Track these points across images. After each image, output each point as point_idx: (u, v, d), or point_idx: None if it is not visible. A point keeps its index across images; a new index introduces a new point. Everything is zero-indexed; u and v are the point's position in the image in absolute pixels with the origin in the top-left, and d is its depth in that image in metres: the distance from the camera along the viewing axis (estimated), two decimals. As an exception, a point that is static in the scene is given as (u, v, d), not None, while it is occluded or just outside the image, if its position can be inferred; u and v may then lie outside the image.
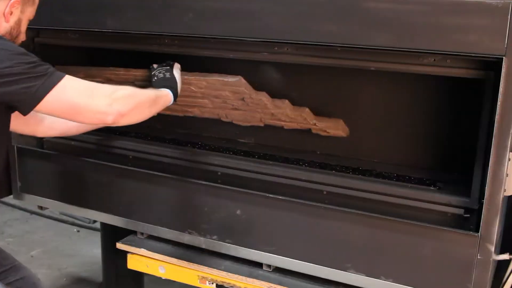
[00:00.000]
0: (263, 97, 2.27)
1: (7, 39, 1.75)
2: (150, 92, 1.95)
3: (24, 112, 1.66)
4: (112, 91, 1.76)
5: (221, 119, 2.43)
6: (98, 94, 1.73)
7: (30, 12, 1.86)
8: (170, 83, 2.08)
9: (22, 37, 1.88)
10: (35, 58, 1.65)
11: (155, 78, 2.13)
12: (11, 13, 1.77)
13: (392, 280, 1.94)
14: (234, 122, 2.42)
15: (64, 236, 4.70)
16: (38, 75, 1.60)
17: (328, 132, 2.28)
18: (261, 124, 2.37)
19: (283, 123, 2.33)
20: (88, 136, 2.61)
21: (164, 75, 2.12)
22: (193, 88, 2.30)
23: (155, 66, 2.20)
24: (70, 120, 1.80)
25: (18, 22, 1.81)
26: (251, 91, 2.26)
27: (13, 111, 1.72)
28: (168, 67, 2.16)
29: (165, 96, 2.02)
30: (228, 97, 2.30)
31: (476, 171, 1.87)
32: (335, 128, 2.26)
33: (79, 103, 1.68)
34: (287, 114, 2.32)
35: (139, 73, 2.33)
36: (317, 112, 2.32)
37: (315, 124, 2.27)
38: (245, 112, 2.35)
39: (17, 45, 1.73)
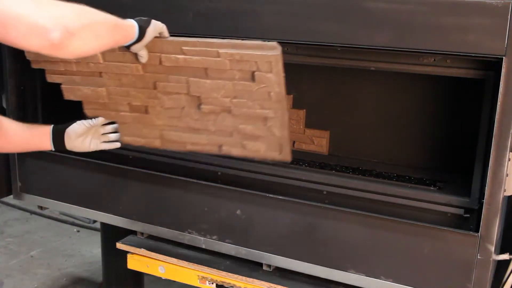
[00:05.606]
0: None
1: None
2: (110, 16, 1.57)
3: None
4: (61, 2, 1.38)
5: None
6: (42, 3, 1.34)
7: None
8: (141, 21, 1.74)
9: None
10: None
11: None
12: None
13: (392, 280, 1.94)
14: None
15: (64, 236, 4.70)
16: None
17: (312, 142, 2.34)
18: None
19: None
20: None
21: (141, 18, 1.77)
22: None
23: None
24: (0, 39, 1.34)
25: None
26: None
27: None
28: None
29: (128, 27, 1.67)
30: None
31: (476, 171, 1.87)
32: (322, 136, 2.33)
33: (11, 12, 1.28)
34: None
35: None
36: (316, 112, 2.33)
37: (304, 132, 2.34)
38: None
39: None
